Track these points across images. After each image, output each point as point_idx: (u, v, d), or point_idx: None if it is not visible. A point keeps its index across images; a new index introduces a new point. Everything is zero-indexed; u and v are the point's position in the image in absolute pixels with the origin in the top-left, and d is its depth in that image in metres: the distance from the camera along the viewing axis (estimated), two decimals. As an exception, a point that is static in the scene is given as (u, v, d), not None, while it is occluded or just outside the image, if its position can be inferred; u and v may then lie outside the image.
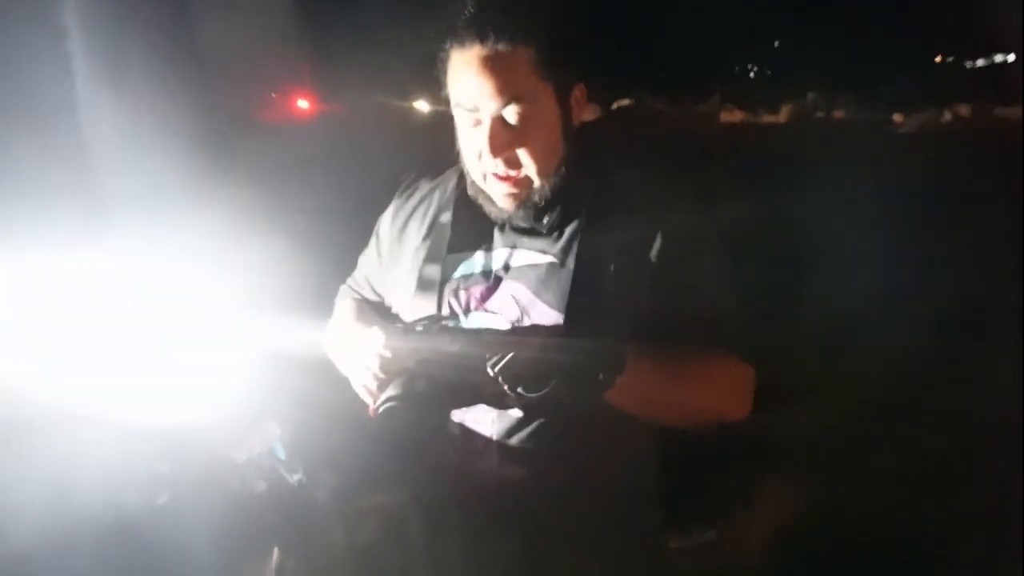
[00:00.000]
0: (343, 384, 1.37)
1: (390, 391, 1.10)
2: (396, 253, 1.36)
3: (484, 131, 1.14)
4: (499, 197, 1.19)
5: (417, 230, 1.34)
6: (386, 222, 1.41)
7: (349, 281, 1.52)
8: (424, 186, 1.40)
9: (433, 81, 1.23)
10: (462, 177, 1.29)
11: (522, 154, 1.15)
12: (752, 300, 1.19)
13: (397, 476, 1.23)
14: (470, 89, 1.14)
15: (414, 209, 1.37)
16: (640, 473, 1.22)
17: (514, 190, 1.17)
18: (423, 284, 1.27)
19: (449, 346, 1.10)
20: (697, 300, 1.14)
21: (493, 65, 1.12)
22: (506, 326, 1.17)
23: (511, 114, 1.13)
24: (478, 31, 1.12)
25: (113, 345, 1.11)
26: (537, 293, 1.19)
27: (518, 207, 1.18)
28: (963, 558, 1.55)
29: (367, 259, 1.47)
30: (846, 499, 1.78)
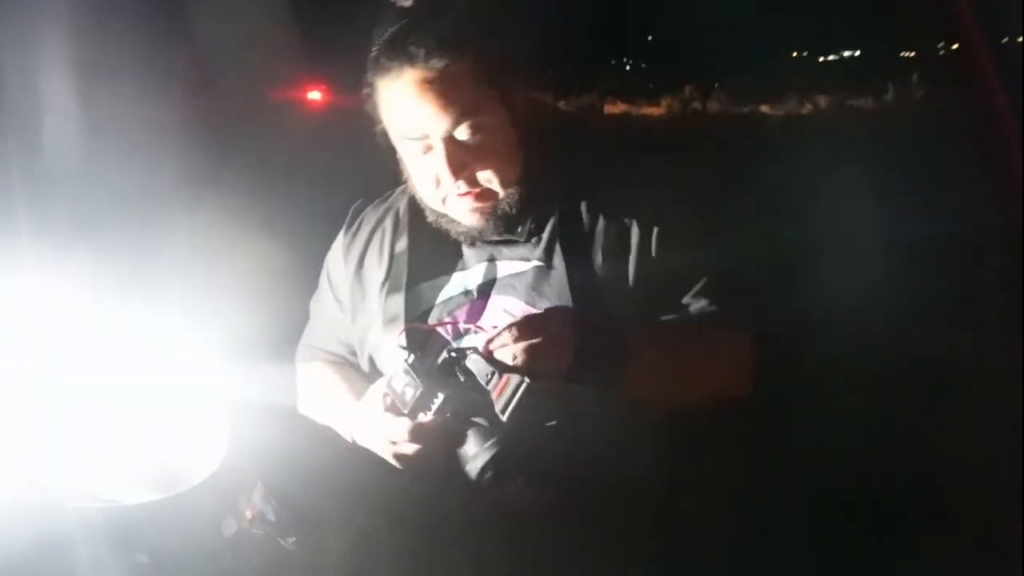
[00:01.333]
0: (321, 428, 1.25)
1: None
2: (359, 295, 1.24)
3: (439, 155, 1.06)
4: (464, 215, 1.12)
5: (377, 265, 1.23)
6: (337, 263, 1.29)
7: (308, 339, 1.36)
8: (371, 215, 1.29)
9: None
10: (413, 198, 1.21)
11: (482, 170, 1.08)
12: (744, 263, 1.19)
13: (402, 515, 1.12)
14: (413, 116, 1.05)
15: (367, 243, 1.26)
16: (649, 473, 1.15)
17: (479, 204, 1.10)
18: (392, 319, 1.16)
19: (462, 389, 0.98)
20: (689, 265, 1.12)
21: (432, 85, 1.03)
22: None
23: (463, 132, 1.05)
24: (406, 53, 1.04)
25: (69, 404, 0.93)
26: (531, 301, 1.12)
27: (487, 220, 1.11)
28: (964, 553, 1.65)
29: (323, 308, 1.32)
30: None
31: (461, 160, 1.06)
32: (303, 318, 1.38)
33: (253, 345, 1.25)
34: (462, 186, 1.08)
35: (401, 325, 1.12)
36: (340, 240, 1.29)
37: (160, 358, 0.99)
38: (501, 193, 1.10)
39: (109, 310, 0.98)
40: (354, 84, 1.14)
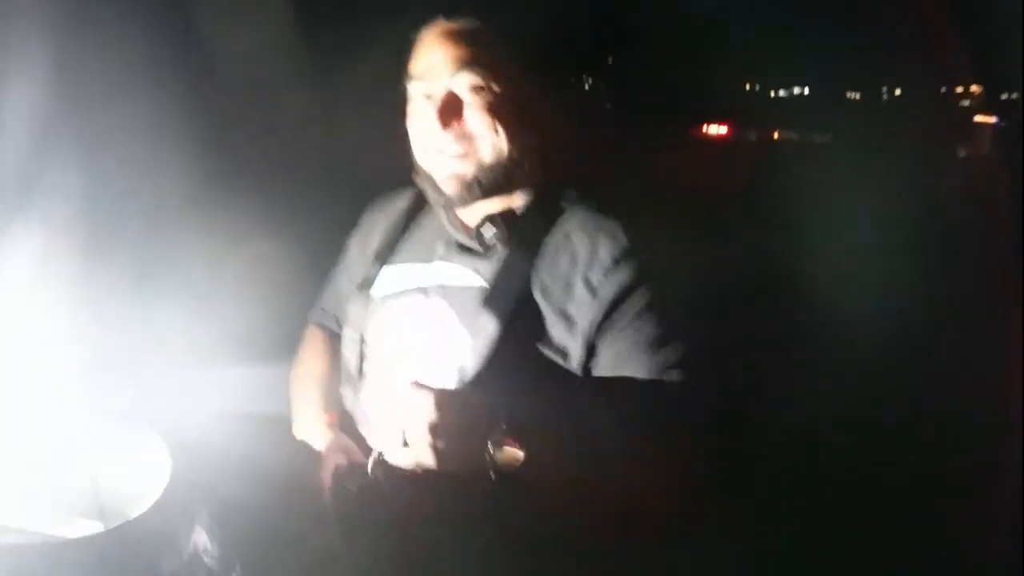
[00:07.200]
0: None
1: None
2: (354, 262, 1.37)
3: (436, 102, 1.10)
4: (443, 180, 1.14)
5: (371, 239, 1.35)
6: (356, 232, 1.42)
7: (319, 301, 1.48)
8: (384, 203, 1.40)
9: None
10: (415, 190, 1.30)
11: (470, 130, 1.10)
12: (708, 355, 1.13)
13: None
14: (428, 57, 1.12)
15: (375, 223, 1.36)
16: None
17: (458, 168, 1.12)
18: (360, 294, 1.26)
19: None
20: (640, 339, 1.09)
21: (453, 33, 1.12)
22: (433, 351, 1.11)
23: (464, 81, 1.09)
24: (443, 10, 1.15)
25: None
26: (464, 321, 1.11)
27: (458, 189, 1.13)
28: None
29: (337, 274, 1.45)
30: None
31: (452, 113, 1.09)
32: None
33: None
34: (447, 142, 1.11)
35: (366, 301, 1.24)
36: (362, 219, 1.42)
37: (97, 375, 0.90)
38: (478, 165, 1.11)
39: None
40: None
